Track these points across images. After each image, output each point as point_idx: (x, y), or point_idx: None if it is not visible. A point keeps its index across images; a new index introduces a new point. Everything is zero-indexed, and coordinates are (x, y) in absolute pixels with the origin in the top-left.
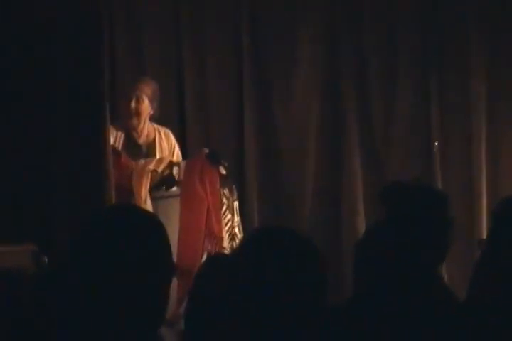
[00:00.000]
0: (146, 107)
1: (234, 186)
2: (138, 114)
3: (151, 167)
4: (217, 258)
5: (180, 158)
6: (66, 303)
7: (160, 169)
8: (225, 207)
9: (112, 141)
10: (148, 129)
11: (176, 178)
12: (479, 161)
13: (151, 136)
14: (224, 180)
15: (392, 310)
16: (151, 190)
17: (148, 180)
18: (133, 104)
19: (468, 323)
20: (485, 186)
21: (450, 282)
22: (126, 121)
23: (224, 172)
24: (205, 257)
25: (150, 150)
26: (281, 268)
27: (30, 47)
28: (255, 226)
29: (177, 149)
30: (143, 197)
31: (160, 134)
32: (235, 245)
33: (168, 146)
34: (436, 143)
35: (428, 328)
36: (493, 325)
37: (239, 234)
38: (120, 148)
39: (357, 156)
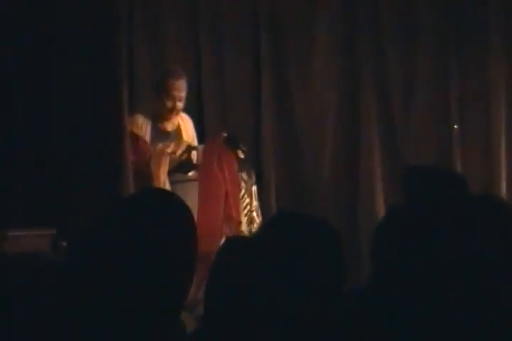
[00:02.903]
0: (185, 95)
1: (252, 170)
2: (179, 111)
3: (169, 151)
4: (235, 242)
5: (196, 143)
6: (88, 287)
7: (178, 153)
8: (243, 191)
9: (137, 128)
10: None
11: (194, 162)
12: (498, 147)
13: (176, 122)
14: (242, 164)
15: (412, 298)
16: (170, 174)
17: (167, 164)
18: (179, 105)
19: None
20: (504, 171)
21: None
22: (167, 115)
23: (242, 156)
24: (223, 241)
25: (177, 135)
26: (299, 252)
27: (50, 37)
28: (273, 211)
29: (194, 134)
30: (162, 181)
31: (182, 120)
32: (253, 229)
33: (190, 131)
34: (456, 127)
35: (449, 317)
36: None
37: (257, 218)
38: (147, 136)
39: (375, 142)
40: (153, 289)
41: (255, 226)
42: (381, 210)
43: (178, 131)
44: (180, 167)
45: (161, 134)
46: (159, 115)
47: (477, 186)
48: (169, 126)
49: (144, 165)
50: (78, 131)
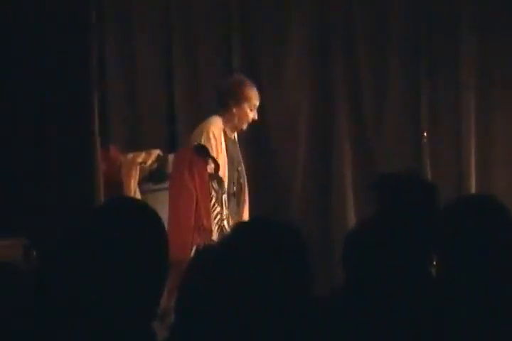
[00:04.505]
0: None
1: (222, 179)
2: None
3: (140, 160)
4: (206, 251)
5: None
6: (58, 297)
7: (148, 162)
8: (213, 200)
9: (218, 138)
10: None
11: (168, 172)
12: (468, 151)
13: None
14: (212, 173)
15: (382, 300)
16: (140, 184)
17: (137, 173)
18: (255, 115)
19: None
20: (474, 177)
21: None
22: (242, 125)
23: (213, 165)
24: (194, 250)
25: (236, 143)
26: (267, 259)
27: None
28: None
29: None
30: (132, 191)
31: None
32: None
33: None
34: (425, 134)
35: (417, 318)
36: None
37: (228, 227)
38: (224, 144)
39: (347, 146)
40: (124, 298)
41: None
42: (351, 214)
43: (235, 139)
44: (151, 176)
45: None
46: (232, 126)
47: (448, 189)
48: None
49: (115, 175)
50: (48, 141)
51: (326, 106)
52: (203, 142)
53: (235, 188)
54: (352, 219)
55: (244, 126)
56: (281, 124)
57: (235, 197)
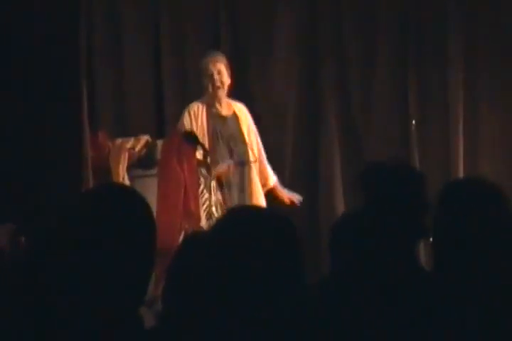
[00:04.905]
0: (227, 78)
1: (211, 165)
2: (222, 84)
3: (128, 146)
4: (195, 237)
5: (255, 130)
6: (46, 282)
7: (137, 148)
8: (202, 186)
9: (195, 114)
10: (227, 103)
11: (157, 158)
12: (456, 139)
13: (231, 109)
14: (201, 160)
15: (368, 290)
16: (129, 169)
17: (126, 159)
18: (216, 76)
19: (438, 297)
20: (462, 165)
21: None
22: (214, 94)
23: (201, 151)
24: (182, 236)
25: (235, 122)
26: (257, 246)
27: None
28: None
29: (253, 125)
30: (121, 176)
31: (238, 107)
32: (212, 224)
33: (246, 120)
34: (413, 122)
35: (403, 307)
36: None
37: (216, 213)
38: (205, 120)
39: (335, 135)
40: (112, 285)
41: (214, 221)
42: (340, 204)
43: (235, 119)
44: (140, 162)
45: (218, 118)
46: (209, 99)
47: (435, 183)
48: (223, 111)
49: (103, 161)
50: (37, 127)
51: (313, 104)
52: (180, 121)
53: (227, 167)
54: (340, 209)
55: (217, 95)
56: (269, 120)
57: (234, 181)
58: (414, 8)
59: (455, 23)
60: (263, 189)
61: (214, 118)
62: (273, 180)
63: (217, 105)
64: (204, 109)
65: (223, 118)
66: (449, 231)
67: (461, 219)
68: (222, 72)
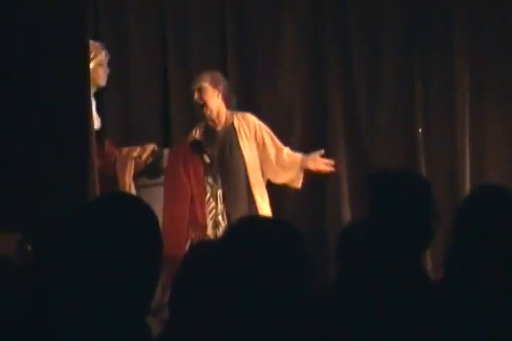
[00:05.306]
0: (211, 95)
1: (218, 174)
2: (205, 102)
3: (135, 155)
4: (201, 246)
5: (270, 135)
6: (53, 292)
7: (144, 157)
8: (208, 195)
9: (193, 133)
10: (226, 116)
11: (163, 167)
12: (462, 148)
13: (229, 122)
14: (208, 168)
15: (375, 299)
16: (135, 178)
17: (132, 168)
18: (196, 95)
19: (444, 306)
20: (468, 173)
21: (436, 270)
22: (200, 113)
23: (208, 160)
24: (188, 245)
25: (229, 135)
26: (264, 255)
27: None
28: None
29: (263, 127)
30: (127, 185)
31: (238, 119)
32: (218, 233)
33: (250, 128)
34: (420, 130)
35: (408, 314)
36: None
37: (222, 222)
38: (199, 137)
39: (342, 144)
40: (118, 293)
41: (220, 230)
42: (347, 211)
43: (230, 131)
44: (146, 171)
45: (210, 135)
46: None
47: (442, 187)
48: (219, 126)
49: (110, 169)
50: (44, 134)
51: (319, 105)
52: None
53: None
54: (346, 209)
55: (202, 113)
56: (276, 121)
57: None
58: (419, 8)
59: (461, 23)
60: (301, 170)
61: (206, 133)
62: (299, 155)
63: (210, 123)
64: (201, 126)
65: (215, 130)
66: (470, 239)
67: (486, 228)
68: (202, 88)
